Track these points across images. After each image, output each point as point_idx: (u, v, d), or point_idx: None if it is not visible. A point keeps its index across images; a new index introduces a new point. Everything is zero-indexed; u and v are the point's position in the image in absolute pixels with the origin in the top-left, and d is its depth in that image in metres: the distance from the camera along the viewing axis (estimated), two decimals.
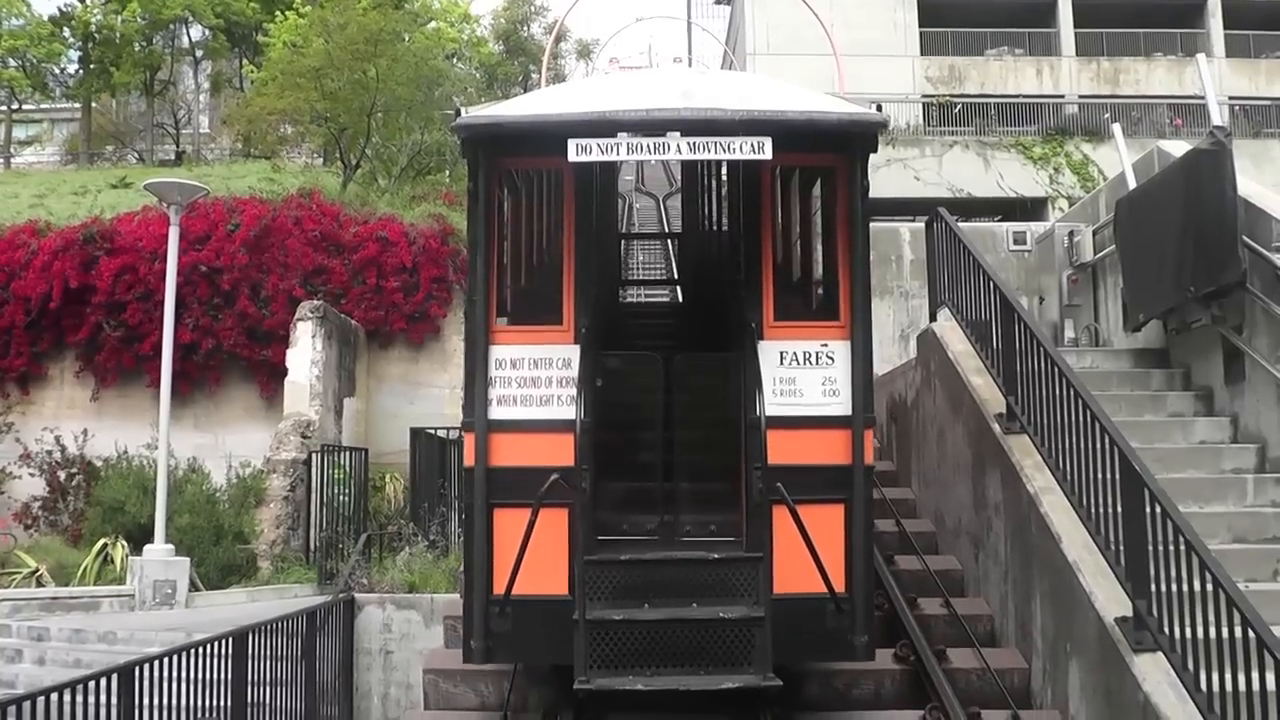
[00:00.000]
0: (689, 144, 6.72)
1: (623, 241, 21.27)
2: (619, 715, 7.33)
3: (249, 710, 9.33)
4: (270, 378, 19.23)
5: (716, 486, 7.82)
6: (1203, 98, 11.63)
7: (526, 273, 8.48)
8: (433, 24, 33.01)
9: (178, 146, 46.54)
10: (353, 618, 12.60)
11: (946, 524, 10.48)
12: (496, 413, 7.26)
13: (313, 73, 25.55)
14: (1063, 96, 38.89)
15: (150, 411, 17.86)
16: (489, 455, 7.18)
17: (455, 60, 36.10)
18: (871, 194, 7.49)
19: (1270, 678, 5.30)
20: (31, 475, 18.69)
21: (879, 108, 7.11)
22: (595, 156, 6.67)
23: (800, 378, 7.34)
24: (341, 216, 20.62)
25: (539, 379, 7.34)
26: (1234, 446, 9.52)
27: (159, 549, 14.67)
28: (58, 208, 24.71)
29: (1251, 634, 5.43)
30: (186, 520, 15.60)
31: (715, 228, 12.12)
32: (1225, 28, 40.10)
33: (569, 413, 7.11)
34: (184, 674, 8.27)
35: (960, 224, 11.04)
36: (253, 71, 38.35)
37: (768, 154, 6.55)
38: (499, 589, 6.97)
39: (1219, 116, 10.63)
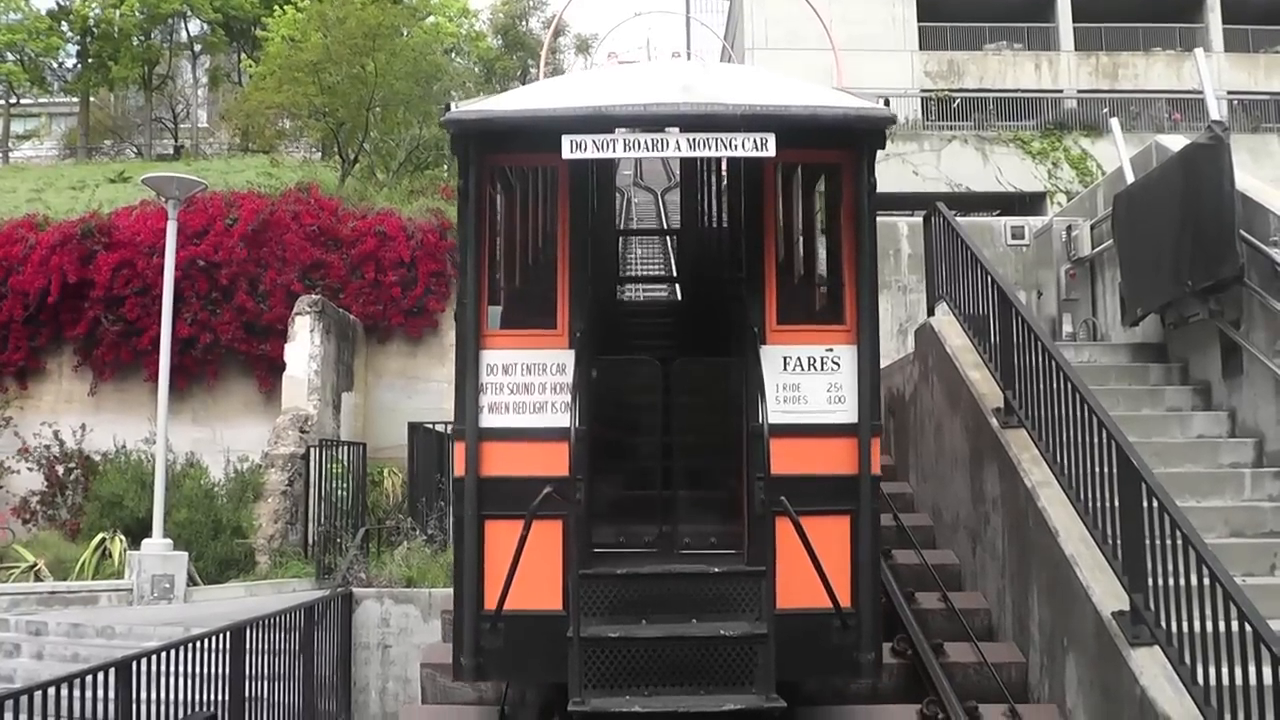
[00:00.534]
0: (689, 140, 6.48)
1: (620, 238, 21.08)
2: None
3: (247, 705, 9.33)
4: (268, 372, 19.23)
5: (716, 497, 7.63)
6: (1201, 92, 11.61)
7: (519, 274, 8.25)
8: (431, 18, 32.94)
9: (176, 141, 46.50)
10: (351, 612, 12.61)
11: (944, 518, 10.49)
12: (488, 420, 7.01)
13: (311, 67, 25.51)
14: (1061, 91, 38.86)
15: (148, 406, 17.85)
16: (480, 465, 6.93)
17: (454, 55, 36.02)
18: None
19: (1267, 672, 5.30)
20: (30, 469, 18.68)
21: (886, 102, 6.91)
22: (591, 154, 6.44)
23: (804, 384, 7.09)
24: (340, 211, 20.61)
25: (532, 385, 7.08)
26: (1231, 441, 9.53)
27: (157, 543, 14.67)
28: (56, 202, 24.70)
29: (1248, 628, 5.44)
30: (185, 515, 15.59)
31: (715, 224, 11.90)
32: (1224, 22, 40.01)
33: (563, 420, 6.84)
34: (182, 668, 8.27)
35: (958, 219, 11.04)
36: (251, 66, 38.29)
37: (771, 151, 6.32)
38: (490, 604, 6.74)
39: (1217, 111, 10.62)
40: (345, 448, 16.89)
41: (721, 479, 7.61)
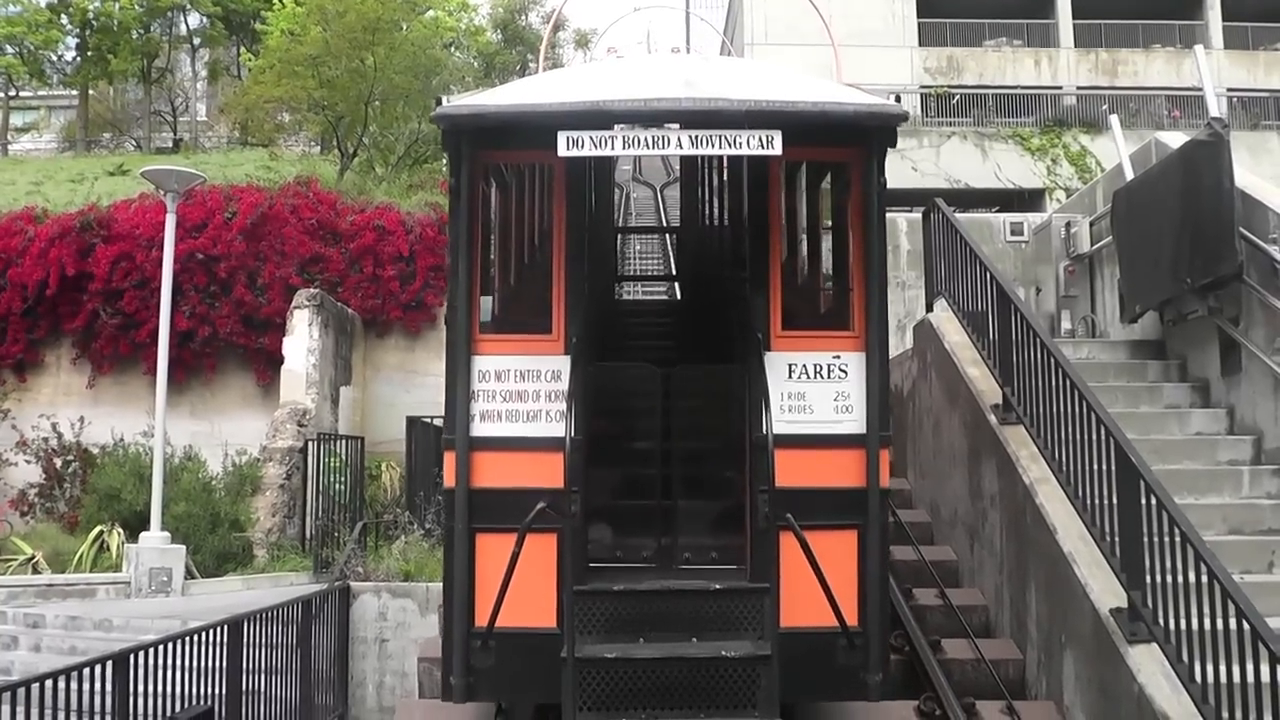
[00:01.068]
0: (691, 138, 6.17)
1: (619, 235, 20.87)
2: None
3: (244, 698, 9.34)
4: (267, 366, 19.24)
5: (718, 509, 7.37)
6: (1200, 89, 11.59)
7: (513, 276, 7.94)
8: (431, 12, 32.79)
9: (175, 134, 46.38)
10: (348, 606, 12.61)
11: (942, 514, 10.50)
12: (479, 429, 6.67)
13: (310, 61, 25.47)
14: (1061, 88, 38.87)
15: (147, 399, 17.83)
16: (471, 475, 6.60)
17: (453, 49, 35.94)
18: None
19: (1265, 669, 5.31)
20: (28, 462, 18.69)
21: (897, 98, 6.67)
22: (588, 151, 6.12)
23: (810, 392, 6.75)
24: (338, 205, 20.63)
25: (526, 392, 6.75)
26: (1230, 438, 9.53)
27: (155, 536, 14.67)
28: (55, 195, 24.66)
29: (1246, 625, 5.44)
30: (183, 508, 15.60)
31: (716, 222, 11.55)
32: (1224, 19, 40.03)
33: (558, 430, 6.52)
34: (179, 661, 8.29)
35: (957, 215, 11.03)
36: (250, 59, 38.22)
37: (778, 150, 6.02)
38: (481, 621, 6.42)
39: (1216, 108, 10.59)
40: (343, 441, 16.90)
41: (723, 491, 7.36)
